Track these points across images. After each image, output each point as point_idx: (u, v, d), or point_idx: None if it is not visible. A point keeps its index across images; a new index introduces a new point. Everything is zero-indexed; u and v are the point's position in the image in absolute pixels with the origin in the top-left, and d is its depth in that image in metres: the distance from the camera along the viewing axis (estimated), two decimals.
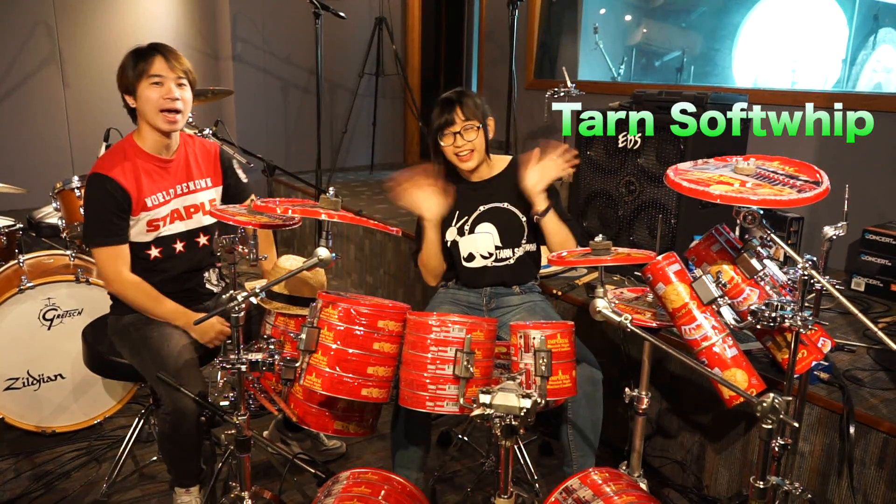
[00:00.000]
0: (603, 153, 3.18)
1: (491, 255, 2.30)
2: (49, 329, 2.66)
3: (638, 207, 3.04)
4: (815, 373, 2.14)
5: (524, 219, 2.29)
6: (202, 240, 2.26)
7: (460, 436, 2.63)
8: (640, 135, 2.98)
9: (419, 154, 6.30)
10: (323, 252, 1.55)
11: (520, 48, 4.86)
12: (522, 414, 1.36)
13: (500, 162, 2.37)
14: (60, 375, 2.70)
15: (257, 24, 5.32)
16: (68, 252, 2.94)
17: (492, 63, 5.25)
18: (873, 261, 2.95)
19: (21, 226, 3.23)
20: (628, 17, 5.35)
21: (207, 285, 2.31)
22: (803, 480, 2.15)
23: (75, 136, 5.03)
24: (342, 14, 3.89)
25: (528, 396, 1.38)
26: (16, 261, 2.83)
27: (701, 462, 2.46)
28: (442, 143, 2.22)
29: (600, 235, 1.50)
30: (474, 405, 1.44)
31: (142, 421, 2.47)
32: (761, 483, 1.26)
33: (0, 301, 2.56)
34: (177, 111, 2.09)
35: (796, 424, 1.23)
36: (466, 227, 2.30)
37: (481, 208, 2.30)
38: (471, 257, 2.32)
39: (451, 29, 6.12)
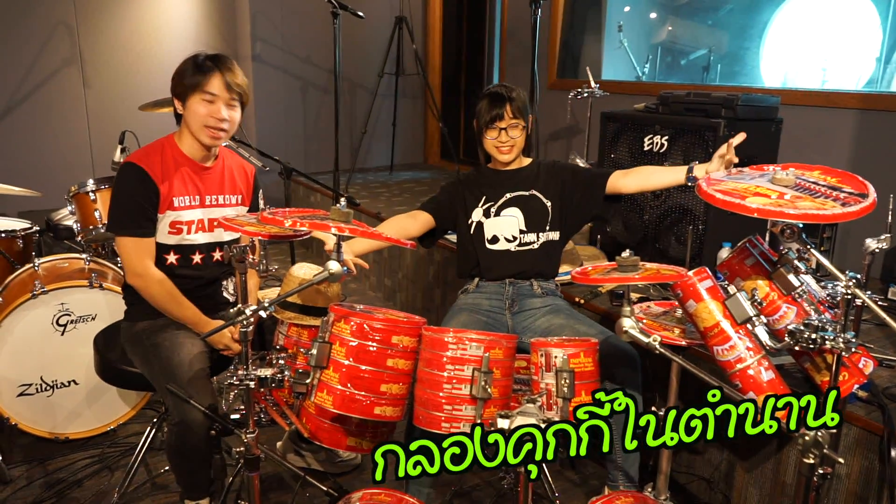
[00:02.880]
0: (627, 155, 3.09)
1: (515, 238, 2.34)
2: (62, 335, 2.63)
3: (664, 213, 2.95)
4: (854, 392, 2.03)
5: (549, 204, 2.35)
6: (217, 255, 2.21)
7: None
8: (666, 137, 2.89)
9: (439, 155, 6.23)
10: (334, 266, 1.47)
11: (542, 47, 4.77)
12: None
13: (526, 160, 2.46)
14: (74, 381, 2.67)
15: (276, 23, 5.28)
16: (84, 256, 2.91)
17: (513, 62, 5.17)
18: None
19: (37, 228, 3.21)
20: (653, 15, 5.23)
21: (225, 294, 2.26)
22: None
23: (95, 137, 5.03)
24: (360, 14, 3.83)
25: (549, 421, 1.30)
26: (31, 264, 2.80)
27: (730, 480, 2.35)
28: (486, 136, 2.32)
29: (627, 251, 1.41)
30: (492, 428, 1.36)
31: (154, 429, 2.42)
32: None
33: (13, 307, 2.53)
34: (222, 130, 2.06)
35: (841, 461, 1.14)
36: (493, 210, 2.36)
37: (508, 195, 2.36)
38: (495, 239, 2.35)
39: (472, 28, 6.03)
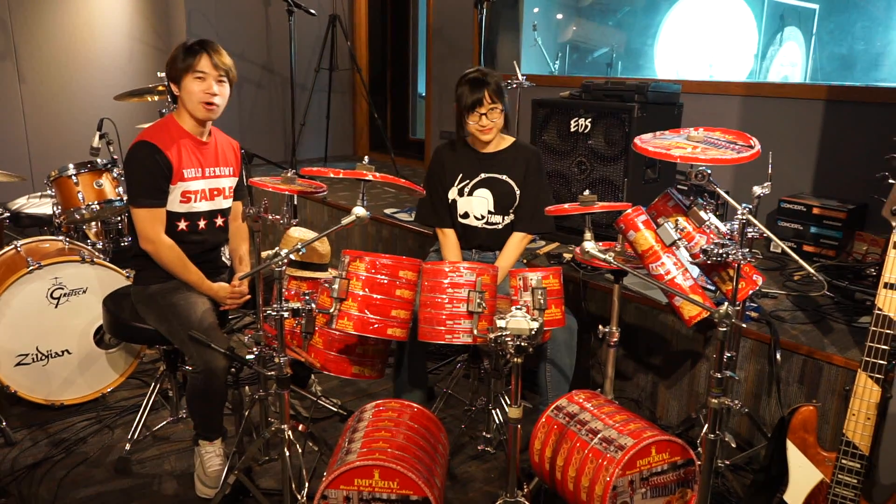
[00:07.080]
0: (556, 137, 3.56)
1: (483, 217, 2.64)
2: (56, 307, 2.82)
3: (589, 184, 3.44)
4: (747, 313, 2.58)
5: (518, 192, 2.62)
6: (219, 221, 2.51)
7: (445, 390, 2.95)
8: (589, 119, 3.38)
9: (369, 147, 6.57)
10: (360, 210, 1.83)
11: (466, 43, 5.22)
12: (532, 333, 1.70)
13: (505, 140, 2.69)
14: (67, 351, 2.86)
15: (211, 20, 5.46)
16: (60, 238, 3.09)
17: (440, 59, 5.57)
18: (788, 226, 3.43)
19: (7, 214, 3.35)
20: (560, 16, 5.78)
21: (223, 258, 2.55)
22: (740, 402, 2.58)
23: (32, 131, 5.06)
24: (312, 11, 4.12)
25: (535, 320, 1.72)
26: (12, 246, 2.96)
27: (654, 398, 2.87)
28: (468, 120, 2.53)
29: (587, 190, 1.86)
30: (489, 332, 1.76)
31: (158, 385, 2.67)
32: (719, 375, 1.64)
33: (11, 281, 2.71)
34: (214, 104, 2.35)
35: (744, 325, 1.61)
36: (466, 190, 2.64)
37: (482, 175, 2.62)
38: (466, 215, 2.66)
39: (397, 26, 6.40)
